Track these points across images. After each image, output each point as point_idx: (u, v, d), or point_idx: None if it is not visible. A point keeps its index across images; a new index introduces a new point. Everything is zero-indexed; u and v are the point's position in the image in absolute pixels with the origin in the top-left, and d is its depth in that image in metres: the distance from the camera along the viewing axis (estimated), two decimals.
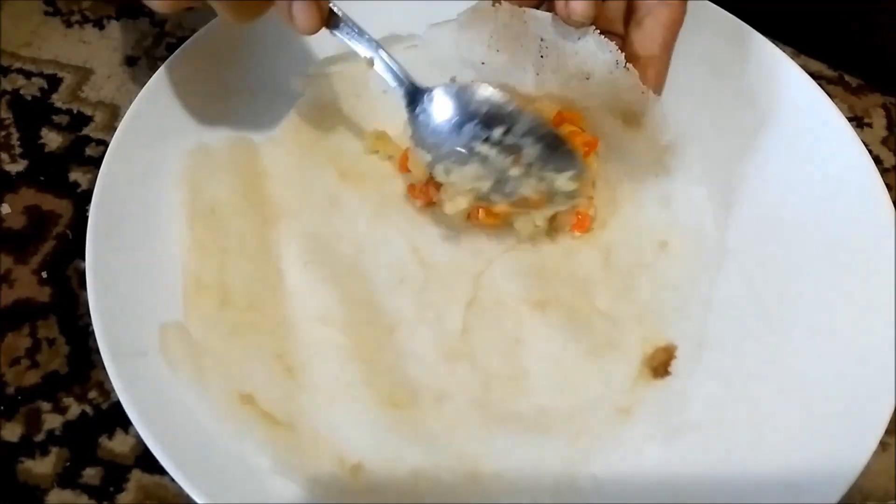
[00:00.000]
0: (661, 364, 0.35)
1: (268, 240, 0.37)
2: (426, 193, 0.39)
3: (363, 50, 0.36)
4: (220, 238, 0.36)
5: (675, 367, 0.35)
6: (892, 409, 0.33)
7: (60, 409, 0.36)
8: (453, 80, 0.39)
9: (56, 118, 0.44)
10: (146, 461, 0.35)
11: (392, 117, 0.41)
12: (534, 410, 0.34)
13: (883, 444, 0.35)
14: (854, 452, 0.32)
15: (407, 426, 0.33)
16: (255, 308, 0.35)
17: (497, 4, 0.37)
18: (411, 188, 0.40)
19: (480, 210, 0.39)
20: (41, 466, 0.35)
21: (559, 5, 0.36)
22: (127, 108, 0.39)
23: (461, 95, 0.37)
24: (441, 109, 0.37)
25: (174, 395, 0.33)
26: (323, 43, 0.42)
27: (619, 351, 0.36)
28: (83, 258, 0.35)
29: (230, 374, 0.33)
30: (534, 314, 0.37)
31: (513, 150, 0.36)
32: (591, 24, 0.36)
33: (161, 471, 0.34)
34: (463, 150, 0.37)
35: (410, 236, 0.39)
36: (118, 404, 0.34)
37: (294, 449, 0.32)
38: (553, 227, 0.40)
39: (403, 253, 0.38)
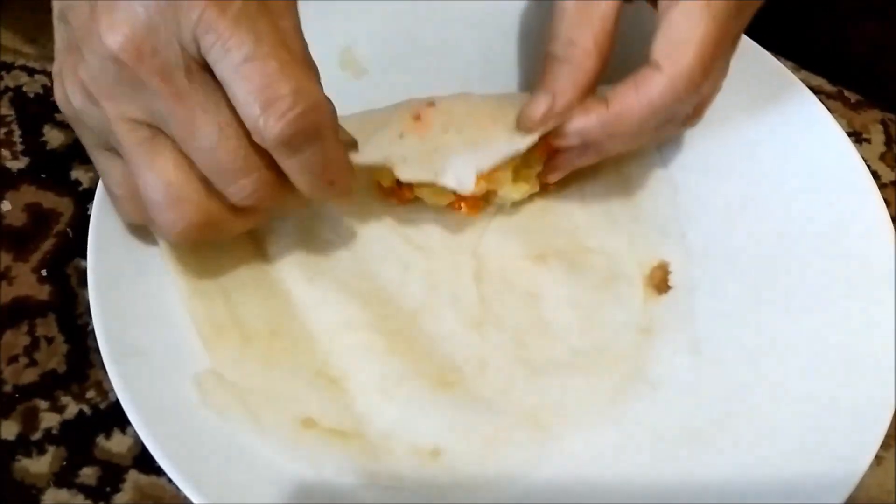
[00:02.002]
0: (661, 281, 0.38)
1: (263, 265, 0.37)
2: (400, 195, 0.39)
3: None
4: (217, 275, 0.36)
5: (673, 280, 0.38)
6: (889, 421, 0.33)
7: (58, 408, 0.36)
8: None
9: (58, 116, 0.44)
10: (143, 461, 0.35)
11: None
12: (569, 352, 0.36)
13: (878, 458, 0.35)
14: (850, 462, 0.32)
15: (465, 401, 0.35)
16: (278, 335, 0.35)
17: None
18: (382, 190, 0.39)
19: (462, 203, 0.39)
20: (38, 465, 0.35)
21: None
22: None
23: None
24: None
25: (173, 395, 0.33)
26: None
27: (622, 278, 0.39)
28: (83, 257, 0.35)
29: (281, 405, 0.33)
30: (538, 268, 0.39)
31: None
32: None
33: (158, 471, 0.35)
34: None
35: (398, 228, 0.39)
36: (116, 404, 0.34)
37: (371, 454, 0.33)
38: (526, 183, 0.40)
39: (398, 244, 0.39)
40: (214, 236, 0.33)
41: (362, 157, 0.35)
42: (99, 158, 0.33)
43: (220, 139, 0.29)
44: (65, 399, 0.36)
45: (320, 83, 0.31)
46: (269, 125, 0.28)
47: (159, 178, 0.30)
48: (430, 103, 0.38)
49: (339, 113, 0.39)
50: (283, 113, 0.28)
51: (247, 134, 0.29)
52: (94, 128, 0.31)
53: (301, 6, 0.41)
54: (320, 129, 0.30)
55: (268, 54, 0.28)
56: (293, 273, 0.37)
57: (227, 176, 0.30)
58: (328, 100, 0.31)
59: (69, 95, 0.31)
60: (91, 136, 0.32)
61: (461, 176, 0.36)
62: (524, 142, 0.36)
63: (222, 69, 0.28)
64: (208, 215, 0.31)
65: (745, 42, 0.44)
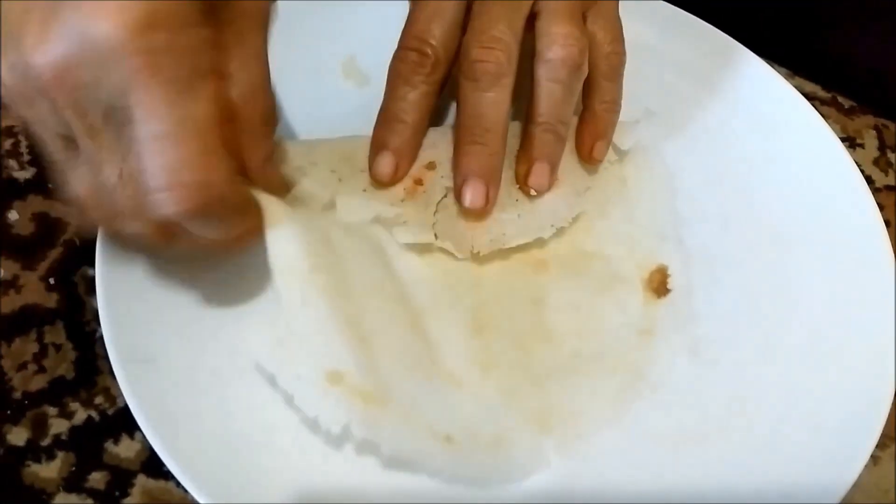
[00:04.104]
0: (660, 284, 0.39)
1: None
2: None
3: None
4: None
5: (672, 283, 0.39)
6: (884, 422, 0.34)
7: (67, 414, 0.36)
8: None
9: None
10: (151, 466, 0.35)
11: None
12: (570, 357, 0.37)
13: (875, 458, 0.35)
14: (846, 463, 0.33)
15: (470, 400, 0.35)
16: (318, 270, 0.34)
17: None
18: None
19: None
20: (47, 471, 0.35)
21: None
22: None
23: None
24: None
25: (181, 400, 0.33)
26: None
27: (622, 282, 0.39)
28: (90, 265, 0.35)
29: (312, 351, 0.33)
30: (539, 273, 0.39)
31: None
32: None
33: (166, 476, 0.35)
34: None
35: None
36: (124, 410, 0.34)
37: (392, 421, 0.33)
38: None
39: (399, 251, 0.39)
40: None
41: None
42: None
43: (119, 184, 0.29)
44: (73, 405, 0.37)
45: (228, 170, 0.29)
46: (166, 204, 0.27)
47: (78, 189, 0.30)
48: (432, 166, 0.39)
49: (342, 123, 0.40)
50: (181, 199, 0.27)
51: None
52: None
53: (304, 16, 0.41)
54: (218, 214, 0.29)
55: (186, 138, 0.27)
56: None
57: (124, 213, 0.30)
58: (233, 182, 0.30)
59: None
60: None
61: (461, 246, 0.38)
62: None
63: (139, 131, 0.27)
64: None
65: (739, 50, 0.45)
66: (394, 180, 0.38)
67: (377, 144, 0.38)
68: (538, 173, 0.38)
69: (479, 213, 0.38)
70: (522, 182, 0.39)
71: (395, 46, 0.39)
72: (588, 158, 0.40)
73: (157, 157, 0.27)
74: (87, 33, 0.26)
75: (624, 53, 0.40)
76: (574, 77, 0.37)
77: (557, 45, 0.36)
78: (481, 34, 0.36)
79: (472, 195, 0.37)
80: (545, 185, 0.38)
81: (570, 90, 0.38)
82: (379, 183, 0.38)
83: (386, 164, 0.38)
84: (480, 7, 0.37)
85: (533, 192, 0.38)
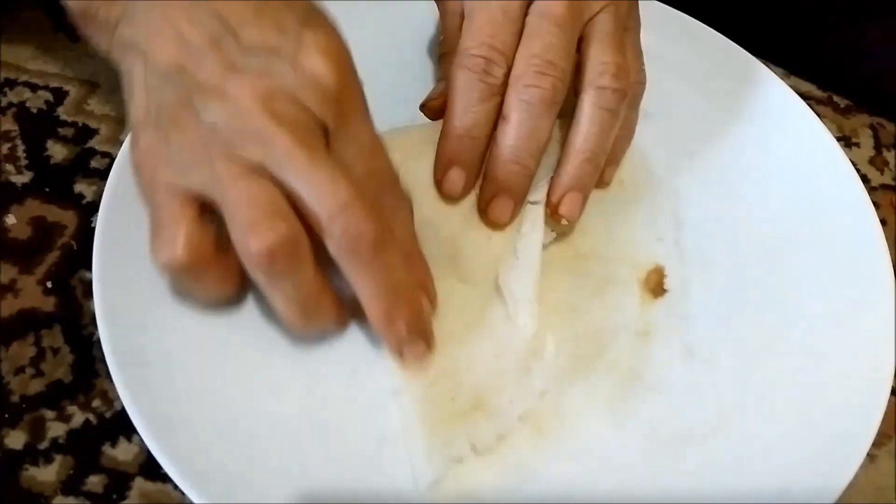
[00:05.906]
0: (656, 284, 0.39)
1: None
2: None
3: None
4: None
5: (668, 283, 0.39)
6: (880, 420, 0.34)
7: (64, 418, 0.37)
8: None
9: (62, 131, 0.45)
10: (149, 469, 0.35)
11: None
12: (567, 357, 0.37)
13: (871, 457, 0.35)
14: (842, 462, 0.33)
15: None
16: None
17: None
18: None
19: None
20: (45, 474, 0.35)
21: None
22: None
23: None
24: None
25: (178, 403, 0.33)
26: None
27: (618, 282, 0.39)
28: (88, 269, 0.35)
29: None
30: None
31: None
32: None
33: (163, 478, 0.35)
34: None
35: None
36: (121, 413, 0.34)
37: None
38: None
39: None
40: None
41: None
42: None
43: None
44: (71, 408, 0.37)
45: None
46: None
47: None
48: None
49: None
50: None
51: None
52: None
53: None
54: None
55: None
56: None
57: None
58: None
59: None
60: None
61: None
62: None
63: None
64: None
65: (735, 50, 0.45)
66: (462, 196, 0.37)
67: (448, 159, 0.37)
68: (572, 203, 0.37)
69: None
70: (553, 210, 0.37)
71: (397, 48, 0.38)
72: (599, 182, 0.39)
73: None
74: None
75: (646, 82, 0.40)
76: (622, 107, 0.37)
77: (610, 76, 0.36)
78: (539, 56, 0.35)
79: (499, 210, 0.37)
80: (577, 216, 0.38)
81: (618, 120, 0.37)
82: (448, 199, 0.37)
83: (459, 180, 0.36)
84: (538, 26, 0.36)
85: (564, 222, 0.38)
